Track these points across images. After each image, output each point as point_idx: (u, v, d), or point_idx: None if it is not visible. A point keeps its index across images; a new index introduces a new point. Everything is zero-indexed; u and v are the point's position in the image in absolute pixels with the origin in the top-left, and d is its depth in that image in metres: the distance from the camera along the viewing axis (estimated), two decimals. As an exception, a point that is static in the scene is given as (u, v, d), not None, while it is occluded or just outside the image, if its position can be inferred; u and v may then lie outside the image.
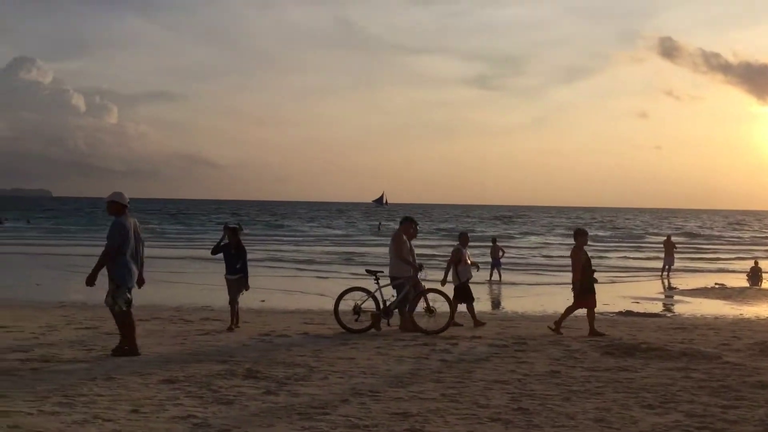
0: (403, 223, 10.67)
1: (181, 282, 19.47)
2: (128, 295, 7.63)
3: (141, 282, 7.85)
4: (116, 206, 7.76)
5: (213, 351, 8.09)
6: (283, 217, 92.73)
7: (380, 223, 68.45)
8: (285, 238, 46.07)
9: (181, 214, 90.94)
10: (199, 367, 7.01)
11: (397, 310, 10.13)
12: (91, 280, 7.60)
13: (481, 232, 50.20)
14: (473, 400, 5.78)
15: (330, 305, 14.59)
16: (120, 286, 7.60)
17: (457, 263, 11.19)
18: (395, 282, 10.17)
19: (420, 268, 10.30)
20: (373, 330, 9.83)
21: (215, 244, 10.69)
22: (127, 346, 7.61)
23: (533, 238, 52.02)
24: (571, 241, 11.14)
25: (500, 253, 21.17)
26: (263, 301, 15.31)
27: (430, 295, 10.01)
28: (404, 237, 10.36)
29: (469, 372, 7.02)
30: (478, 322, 10.94)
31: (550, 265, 28.62)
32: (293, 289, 18.37)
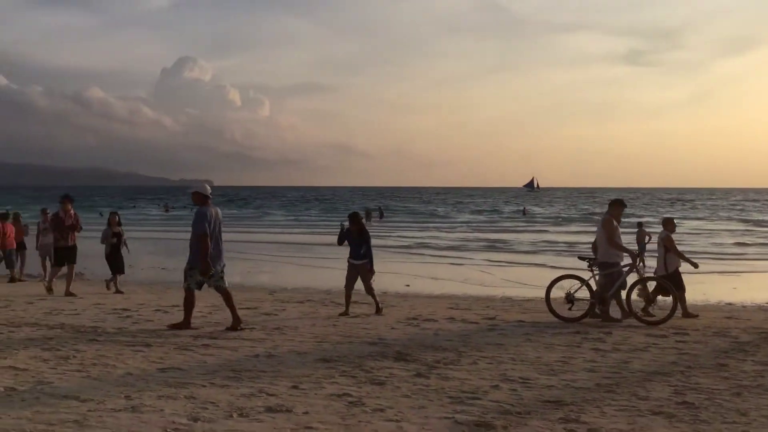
0: (612, 207, 10.00)
1: (330, 267, 20.24)
2: (199, 278, 8.16)
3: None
4: (199, 196, 8.30)
5: (363, 333, 8.34)
6: (429, 203, 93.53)
7: (525, 208, 67.19)
8: (431, 225, 46.40)
9: (326, 201, 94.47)
10: (352, 348, 7.27)
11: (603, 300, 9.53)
12: (205, 269, 8.13)
13: (641, 216, 47.33)
14: (632, 392, 5.51)
15: (473, 292, 14.58)
16: (192, 268, 8.15)
17: (667, 251, 10.51)
18: (608, 270, 9.54)
19: (637, 254, 9.89)
20: (589, 319, 9.30)
21: (338, 234, 10.68)
22: (235, 322, 8.29)
23: (695, 223, 48.47)
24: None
25: (647, 239, 19.96)
26: (408, 285, 15.54)
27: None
28: (614, 222, 9.73)
29: (626, 362, 6.70)
30: (689, 314, 10.13)
31: (715, 253, 26.58)
32: (437, 275, 18.47)
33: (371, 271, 10.37)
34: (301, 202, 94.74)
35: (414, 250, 25.98)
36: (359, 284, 10.39)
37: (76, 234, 12.67)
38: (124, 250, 13.21)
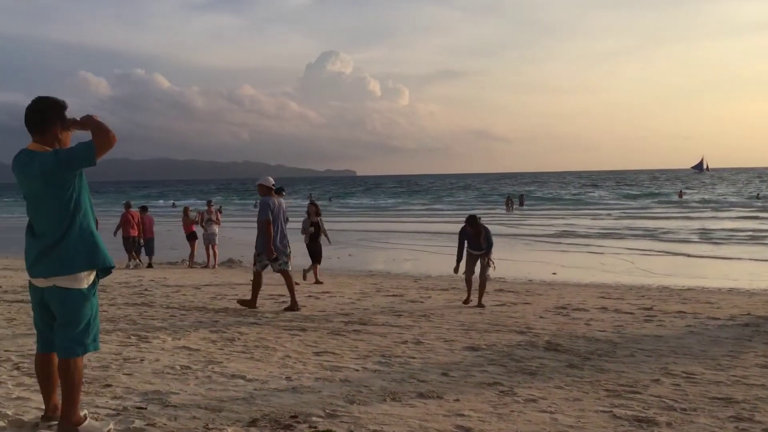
0: None
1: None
2: (266, 261, 9.04)
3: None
4: (263, 188, 9.26)
5: (510, 322, 8.23)
6: (573, 187, 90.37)
7: (681, 191, 62.57)
8: (577, 211, 44.83)
9: (468, 189, 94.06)
10: (499, 337, 7.20)
11: None
12: (269, 253, 9.03)
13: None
14: (814, 392, 5.01)
15: (625, 280, 13.89)
16: (261, 254, 9.04)
17: None
18: None
19: None
20: None
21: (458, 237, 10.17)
22: (293, 304, 9.03)
23: None
24: None
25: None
26: (554, 273, 15.14)
27: None
28: None
29: (806, 359, 6.10)
30: None
31: None
32: (584, 263, 17.81)
33: (490, 261, 9.99)
34: (442, 189, 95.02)
35: (558, 239, 25.22)
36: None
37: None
38: (323, 240, 13.48)
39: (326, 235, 13.62)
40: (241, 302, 9.18)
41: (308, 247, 13.33)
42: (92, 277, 3.80)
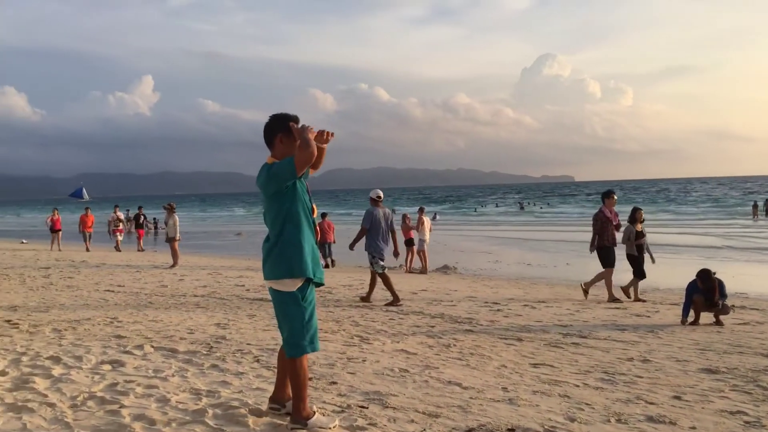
0: None
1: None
2: (381, 263, 10.48)
3: (396, 254, 11.05)
4: (372, 200, 10.94)
5: (755, 343, 7.30)
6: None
7: None
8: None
9: (704, 194, 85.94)
10: (742, 360, 6.42)
11: None
12: (351, 247, 11.28)
13: None
14: None
15: None
16: (375, 257, 10.52)
17: None
18: None
19: None
20: None
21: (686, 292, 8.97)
22: (395, 299, 10.22)
23: None
24: None
25: None
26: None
27: None
28: None
29: None
30: None
31: None
32: None
33: (729, 310, 8.89)
34: (676, 195, 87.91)
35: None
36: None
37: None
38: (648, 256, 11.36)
39: (649, 251, 11.46)
40: (390, 304, 10.20)
41: (634, 259, 11.27)
42: (298, 283, 3.98)
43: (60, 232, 25.47)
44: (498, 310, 9.71)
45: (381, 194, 11.00)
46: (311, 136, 3.91)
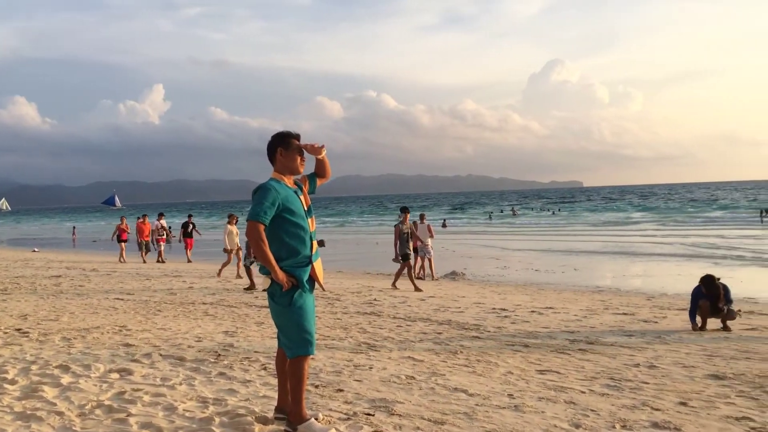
0: None
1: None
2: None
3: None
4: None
5: (764, 349, 7.27)
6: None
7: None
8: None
9: (715, 202, 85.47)
10: (750, 365, 6.40)
11: None
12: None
13: None
14: None
15: None
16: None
17: None
18: None
19: None
20: None
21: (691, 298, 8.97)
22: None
23: None
24: None
25: None
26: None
27: None
28: None
29: None
30: None
31: None
32: None
33: (736, 315, 8.81)
34: (684, 200, 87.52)
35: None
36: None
37: None
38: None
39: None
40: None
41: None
42: (268, 281, 4.09)
43: (125, 243, 23.76)
44: (505, 316, 9.71)
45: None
46: (271, 262, 3.93)
